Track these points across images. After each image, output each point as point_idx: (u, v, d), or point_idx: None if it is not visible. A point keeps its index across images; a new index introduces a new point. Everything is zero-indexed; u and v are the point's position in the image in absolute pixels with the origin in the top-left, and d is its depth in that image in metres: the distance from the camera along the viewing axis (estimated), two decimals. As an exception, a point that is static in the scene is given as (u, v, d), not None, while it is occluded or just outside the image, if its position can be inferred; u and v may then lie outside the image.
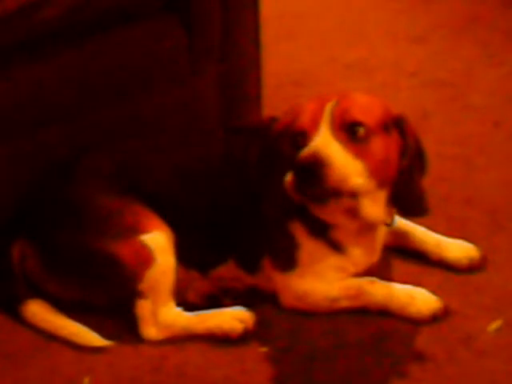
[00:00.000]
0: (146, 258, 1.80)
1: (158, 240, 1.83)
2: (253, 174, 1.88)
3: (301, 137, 1.75)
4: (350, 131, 1.73)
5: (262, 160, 1.87)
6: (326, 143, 1.70)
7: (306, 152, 1.69)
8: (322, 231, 1.85)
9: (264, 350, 1.82)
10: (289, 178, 1.72)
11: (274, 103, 2.42)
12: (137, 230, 1.82)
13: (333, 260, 1.87)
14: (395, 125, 1.79)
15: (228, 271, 1.92)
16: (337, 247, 1.86)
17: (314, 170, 1.67)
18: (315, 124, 1.73)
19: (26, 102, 1.95)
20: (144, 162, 1.92)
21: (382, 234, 1.91)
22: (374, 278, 1.88)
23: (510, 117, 2.56)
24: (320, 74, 2.87)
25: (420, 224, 2.03)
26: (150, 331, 1.84)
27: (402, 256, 2.03)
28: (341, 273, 1.87)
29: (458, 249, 2.00)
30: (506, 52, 2.91)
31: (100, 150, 1.96)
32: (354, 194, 1.73)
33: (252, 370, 1.77)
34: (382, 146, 1.75)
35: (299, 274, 1.87)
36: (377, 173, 1.74)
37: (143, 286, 1.81)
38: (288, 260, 1.87)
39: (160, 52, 2.11)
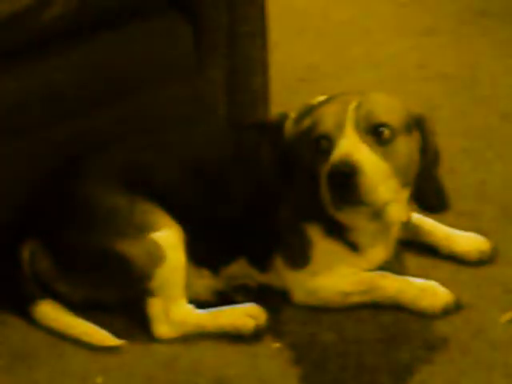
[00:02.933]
0: (156, 256, 1.80)
1: (168, 238, 1.82)
2: (266, 174, 1.87)
3: (325, 140, 1.74)
4: (375, 133, 1.72)
5: (279, 162, 1.86)
6: (354, 148, 1.69)
7: (337, 159, 1.68)
8: (338, 232, 1.84)
9: (277, 345, 1.82)
10: (323, 188, 1.72)
11: (280, 99, 2.41)
12: (147, 228, 1.82)
13: (347, 259, 1.87)
14: (416, 124, 1.78)
15: (239, 269, 1.92)
16: (353, 247, 1.86)
17: (348, 179, 1.66)
18: (339, 127, 1.72)
19: (34, 101, 1.94)
20: (153, 159, 1.91)
21: (396, 231, 1.91)
22: (385, 272, 1.88)
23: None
24: (327, 68, 2.87)
25: (430, 218, 2.03)
26: (162, 329, 1.84)
27: (412, 249, 2.02)
28: (354, 269, 1.87)
29: (467, 241, 2.00)
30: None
31: (108, 148, 1.95)
32: (385, 201, 1.73)
33: (265, 367, 1.77)
34: (405, 146, 1.75)
35: (312, 271, 1.87)
36: (402, 174, 1.74)
37: (154, 284, 1.81)
38: (301, 258, 1.87)
39: (166, 49, 2.10)
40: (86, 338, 1.83)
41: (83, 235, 1.84)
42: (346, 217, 1.80)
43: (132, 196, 1.85)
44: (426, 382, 1.71)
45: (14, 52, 1.90)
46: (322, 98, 1.89)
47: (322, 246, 1.85)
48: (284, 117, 1.91)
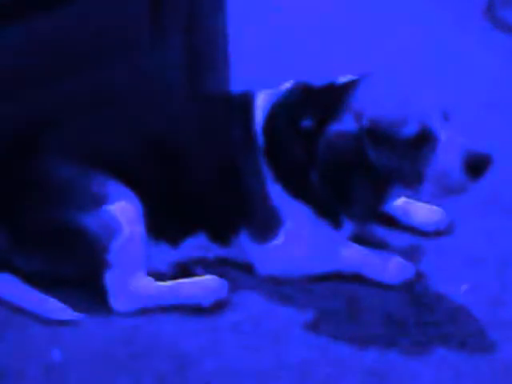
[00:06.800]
0: (112, 228, 1.79)
1: (125, 210, 1.81)
2: (235, 149, 1.85)
3: (422, 135, 1.71)
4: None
5: (319, 163, 1.77)
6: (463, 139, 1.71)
7: (470, 149, 1.69)
8: (330, 213, 1.84)
9: (236, 318, 1.81)
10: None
11: (242, 74, 2.41)
12: (102, 200, 1.80)
13: (324, 234, 1.87)
14: None
15: (198, 243, 1.91)
16: (338, 226, 1.87)
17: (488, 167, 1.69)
18: (436, 118, 1.72)
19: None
20: (109, 132, 1.89)
21: None
22: (349, 242, 1.90)
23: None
24: (287, 39, 2.85)
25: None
26: (121, 302, 1.82)
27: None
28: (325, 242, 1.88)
29: (425, 212, 2.02)
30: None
31: (63, 121, 1.92)
32: None
33: (225, 340, 1.76)
34: None
35: (283, 244, 1.87)
36: None
37: (111, 256, 1.79)
38: (270, 231, 1.86)
39: (123, 20, 2.07)
40: (42, 312, 1.81)
41: (39, 208, 1.82)
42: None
43: (88, 169, 1.83)
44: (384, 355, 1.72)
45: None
46: (344, 79, 1.83)
47: (303, 223, 1.85)
48: (250, 94, 1.89)
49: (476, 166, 1.69)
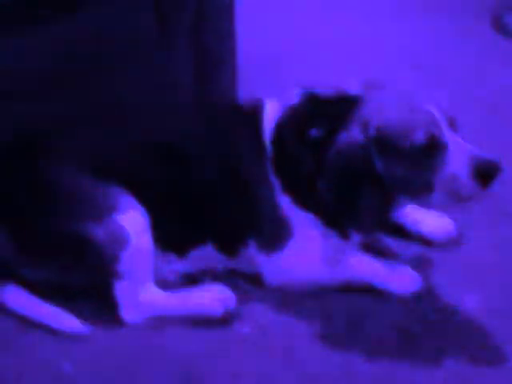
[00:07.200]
0: (121, 239, 1.78)
1: (133, 220, 1.80)
2: (243, 160, 1.85)
3: (430, 145, 1.70)
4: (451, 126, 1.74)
5: (329, 172, 1.77)
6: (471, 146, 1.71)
7: (480, 156, 1.68)
8: (338, 224, 1.84)
9: (245, 329, 1.81)
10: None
11: (250, 82, 2.40)
12: (111, 210, 1.80)
13: (334, 244, 1.86)
14: None
15: (206, 253, 1.91)
16: (346, 236, 1.86)
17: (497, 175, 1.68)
18: (440, 127, 1.71)
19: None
20: (117, 142, 1.89)
21: None
22: (358, 253, 1.89)
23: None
24: (296, 54, 2.86)
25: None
26: (130, 313, 1.82)
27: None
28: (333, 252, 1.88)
29: (435, 223, 2.02)
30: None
31: (71, 130, 1.92)
32: None
33: (234, 351, 1.76)
34: None
35: (290, 254, 1.86)
36: None
37: (120, 267, 1.79)
38: (279, 242, 1.86)
39: (130, 24, 2.07)
40: (52, 324, 1.80)
41: (47, 219, 1.81)
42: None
43: (96, 179, 1.82)
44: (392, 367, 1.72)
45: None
46: (352, 88, 1.83)
47: (311, 234, 1.85)
48: (259, 104, 1.88)
49: (485, 173, 1.68)
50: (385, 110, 1.73)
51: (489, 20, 3.07)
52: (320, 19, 3.10)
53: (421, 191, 1.74)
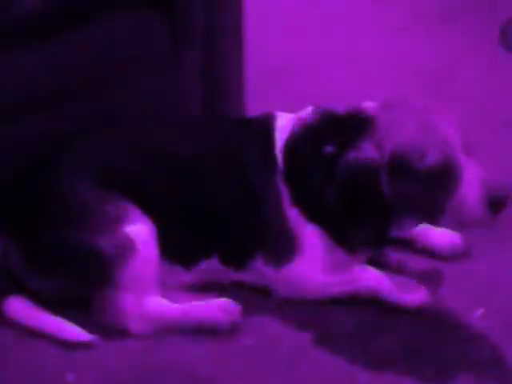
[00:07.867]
0: (127, 250, 1.79)
1: (140, 232, 1.81)
2: (252, 174, 1.85)
3: (444, 165, 1.69)
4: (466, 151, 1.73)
5: (337, 190, 1.77)
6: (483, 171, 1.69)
7: (493, 184, 1.67)
8: (346, 237, 1.84)
9: (250, 342, 1.80)
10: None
11: (257, 94, 2.40)
12: (118, 222, 1.80)
13: (341, 257, 1.86)
14: None
15: (212, 266, 1.91)
16: (353, 250, 1.86)
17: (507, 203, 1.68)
18: (455, 149, 1.69)
19: (5, 90, 1.91)
20: (126, 154, 1.90)
21: None
22: (365, 266, 1.89)
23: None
24: (300, 64, 2.86)
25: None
26: (135, 324, 1.82)
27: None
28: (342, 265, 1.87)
29: (441, 236, 2.01)
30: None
31: (80, 143, 1.93)
32: None
33: (238, 363, 1.75)
34: None
35: (299, 268, 1.86)
36: None
37: (125, 278, 1.79)
38: (287, 255, 1.86)
39: (141, 39, 2.09)
40: (57, 334, 1.80)
41: (55, 231, 1.82)
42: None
43: (103, 191, 1.83)
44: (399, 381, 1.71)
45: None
46: (366, 105, 1.82)
47: (319, 247, 1.85)
48: (270, 117, 1.89)
49: (497, 200, 1.67)
50: (399, 129, 1.73)
51: (498, 35, 3.07)
52: (331, 32, 3.11)
53: (431, 213, 1.74)
